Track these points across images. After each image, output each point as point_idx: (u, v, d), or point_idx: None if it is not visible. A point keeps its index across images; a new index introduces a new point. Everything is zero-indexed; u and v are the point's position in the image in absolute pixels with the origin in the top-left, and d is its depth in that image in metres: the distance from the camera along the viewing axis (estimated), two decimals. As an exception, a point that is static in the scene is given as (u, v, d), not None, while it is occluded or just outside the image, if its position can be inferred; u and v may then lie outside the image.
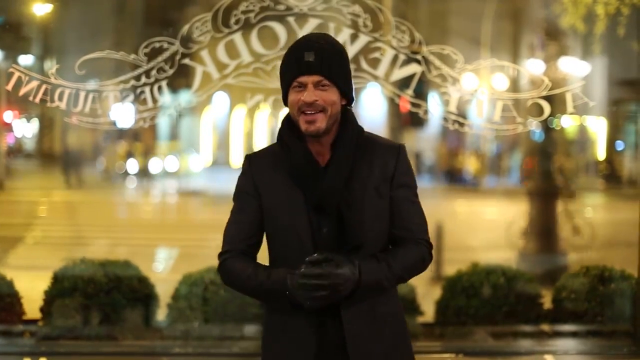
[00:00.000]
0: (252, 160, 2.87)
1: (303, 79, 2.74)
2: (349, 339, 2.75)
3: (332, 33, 5.80)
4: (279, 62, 5.72)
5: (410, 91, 5.95)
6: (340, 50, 2.82)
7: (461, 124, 5.96)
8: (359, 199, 2.77)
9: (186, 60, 5.87)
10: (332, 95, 2.76)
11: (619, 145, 26.31)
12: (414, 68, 5.91)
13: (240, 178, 2.88)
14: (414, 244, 2.85)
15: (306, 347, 2.76)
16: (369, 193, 2.79)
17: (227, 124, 30.39)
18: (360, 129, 2.85)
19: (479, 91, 6.08)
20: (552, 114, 5.96)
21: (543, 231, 10.66)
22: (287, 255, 2.78)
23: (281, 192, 2.79)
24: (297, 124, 2.77)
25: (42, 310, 6.28)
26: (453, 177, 27.22)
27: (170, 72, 5.85)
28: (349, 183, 2.77)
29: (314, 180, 2.75)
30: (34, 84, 5.75)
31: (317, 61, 2.73)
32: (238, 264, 2.82)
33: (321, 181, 2.75)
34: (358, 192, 2.77)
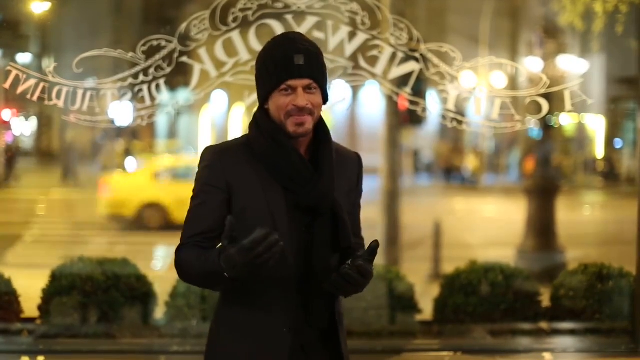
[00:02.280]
0: (222, 154, 2.77)
1: (293, 82, 2.71)
2: (342, 339, 2.79)
3: (329, 31, 5.82)
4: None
5: (408, 89, 5.95)
6: (320, 51, 2.81)
7: (459, 122, 5.95)
8: (340, 201, 2.79)
9: (184, 59, 5.86)
10: (318, 98, 2.75)
11: (618, 143, 26.34)
12: (412, 66, 5.91)
13: (204, 171, 2.77)
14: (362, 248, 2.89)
15: (279, 349, 2.73)
16: (343, 197, 2.80)
17: (225, 122, 30.38)
18: None
19: (477, 89, 6.07)
20: (550, 112, 5.94)
21: (541, 229, 10.67)
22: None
23: (257, 188, 2.72)
24: (282, 125, 2.73)
25: (40, 308, 6.27)
26: (451, 175, 27.25)
27: (168, 70, 5.84)
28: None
29: (306, 180, 2.73)
30: (31, 82, 5.74)
31: (306, 64, 2.71)
32: (186, 254, 2.75)
33: (314, 182, 2.72)
34: (337, 196, 2.78)
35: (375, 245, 2.64)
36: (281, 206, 2.72)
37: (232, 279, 2.61)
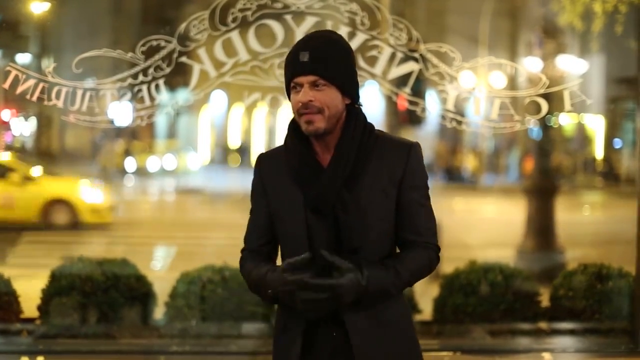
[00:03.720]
0: (262, 160, 2.89)
1: (299, 79, 2.73)
2: (355, 345, 2.73)
3: (329, 31, 5.81)
4: (276, 60, 5.80)
5: (407, 89, 5.95)
6: (340, 48, 2.78)
7: (459, 122, 5.95)
8: (364, 201, 2.74)
9: (183, 59, 5.86)
10: (328, 95, 2.73)
11: (617, 143, 26.35)
12: (411, 66, 5.91)
13: (253, 178, 2.91)
14: (422, 248, 2.80)
15: (293, 350, 2.77)
16: (375, 194, 2.75)
17: (224, 122, 30.42)
18: (370, 128, 2.81)
19: (477, 89, 6.07)
20: (549, 112, 5.94)
21: (541, 229, 10.66)
22: (288, 257, 2.77)
23: (284, 194, 2.80)
24: (299, 125, 2.77)
25: (39, 308, 6.27)
26: (451, 175, 27.25)
27: (168, 70, 5.84)
28: (351, 184, 2.74)
29: (312, 181, 2.74)
30: (31, 82, 5.74)
31: (310, 61, 2.71)
32: (247, 262, 2.89)
33: (313, 181, 2.74)
34: (362, 193, 2.74)
35: (306, 256, 2.67)
36: (299, 209, 2.76)
37: (270, 297, 2.75)
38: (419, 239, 2.80)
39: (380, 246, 2.77)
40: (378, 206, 2.75)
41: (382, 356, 2.75)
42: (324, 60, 2.73)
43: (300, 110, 2.73)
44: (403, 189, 2.78)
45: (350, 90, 2.79)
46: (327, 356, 2.76)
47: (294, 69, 2.74)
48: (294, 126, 2.81)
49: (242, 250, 2.93)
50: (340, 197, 2.72)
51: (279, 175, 2.82)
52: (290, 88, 2.78)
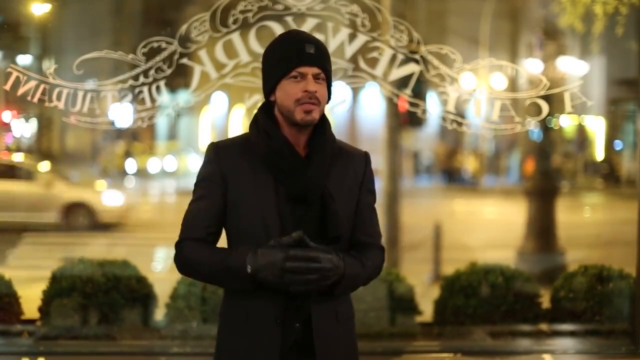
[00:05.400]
0: (219, 148, 2.83)
1: (304, 69, 2.75)
2: (317, 338, 2.75)
3: (330, 33, 5.83)
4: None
5: (408, 91, 5.95)
6: (327, 49, 2.87)
7: (459, 124, 5.96)
8: (335, 195, 2.79)
9: (184, 60, 5.87)
10: (325, 90, 2.79)
11: (618, 144, 26.34)
12: (412, 68, 5.91)
13: (204, 166, 2.83)
14: (377, 249, 2.91)
15: (271, 342, 2.74)
16: (344, 191, 2.82)
17: (225, 123, 30.39)
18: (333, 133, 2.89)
19: (477, 91, 6.08)
20: (550, 114, 5.95)
21: (541, 230, 10.67)
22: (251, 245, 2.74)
23: (249, 181, 2.76)
24: (290, 114, 2.75)
25: (40, 310, 6.27)
26: (451, 177, 27.26)
27: (169, 71, 5.84)
28: (327, 178, 2.79)
29: (295, 169, 2.75)
30: (32, 83, 5.74)
31: (317, 54, 2.76)
32: (196, 248, 2.77)
33: (303, 171, 2.74)
34: (333, 188, 2.79)
35: (295, 235, 2.65)
36: (270, 198, 2.74)
37: (248, 280, 2.66)
38: (372, 241, 2.90)
39: (345, 243, 2.83)
40: (346, 203, 2.82)
41: (338, 351, 2.80)
42: (326, 55, 2.80)
43: (303, 99, 2.74)
44: (362, 191, 2.88)
45: (331, 89, 2.84)
46: (287, 349, 2.76)
47: (300, 58, 2.75)
48: (267, 114, 2.80)
49: (180, 241, 2.80)
50: (326, 186, 2.77)
51: (240, 162, 2.77)
52: (284, 77, 2.76)
